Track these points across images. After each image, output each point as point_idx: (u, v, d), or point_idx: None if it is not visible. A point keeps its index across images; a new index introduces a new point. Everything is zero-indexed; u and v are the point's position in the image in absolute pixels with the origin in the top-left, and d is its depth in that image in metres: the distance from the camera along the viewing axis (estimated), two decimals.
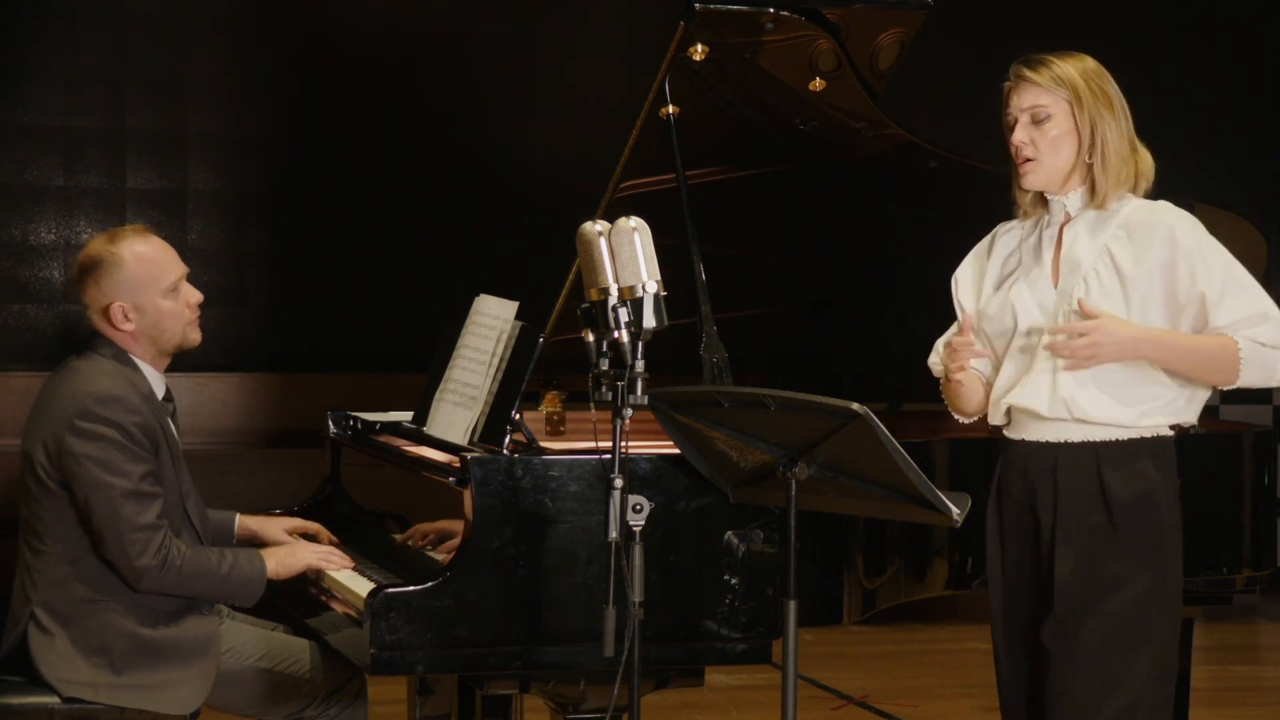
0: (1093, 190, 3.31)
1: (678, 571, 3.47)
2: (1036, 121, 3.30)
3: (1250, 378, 3.28)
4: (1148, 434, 3.28)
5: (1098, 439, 3.28)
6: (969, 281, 3.49)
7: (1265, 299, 3.26)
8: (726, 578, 3.50)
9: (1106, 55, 3.37)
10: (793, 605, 3.18)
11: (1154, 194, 3.37)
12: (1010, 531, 3.39)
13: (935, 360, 3.51)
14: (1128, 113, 3.32)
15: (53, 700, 3.56)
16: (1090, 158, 3.29)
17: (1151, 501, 3.26)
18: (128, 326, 3.65)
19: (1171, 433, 3.31)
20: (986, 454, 3.55)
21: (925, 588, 3.88)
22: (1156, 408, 3.28)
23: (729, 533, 3.50)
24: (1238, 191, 7.92)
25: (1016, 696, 3.39)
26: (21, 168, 7.65)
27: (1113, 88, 3.31)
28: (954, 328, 3.50)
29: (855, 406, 3.03)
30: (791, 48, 4.01)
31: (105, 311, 3.64)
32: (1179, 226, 3.26)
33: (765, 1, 3.87)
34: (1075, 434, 3.29)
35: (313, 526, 4.01)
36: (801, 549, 3.33)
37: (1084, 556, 3.27)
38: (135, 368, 3.66)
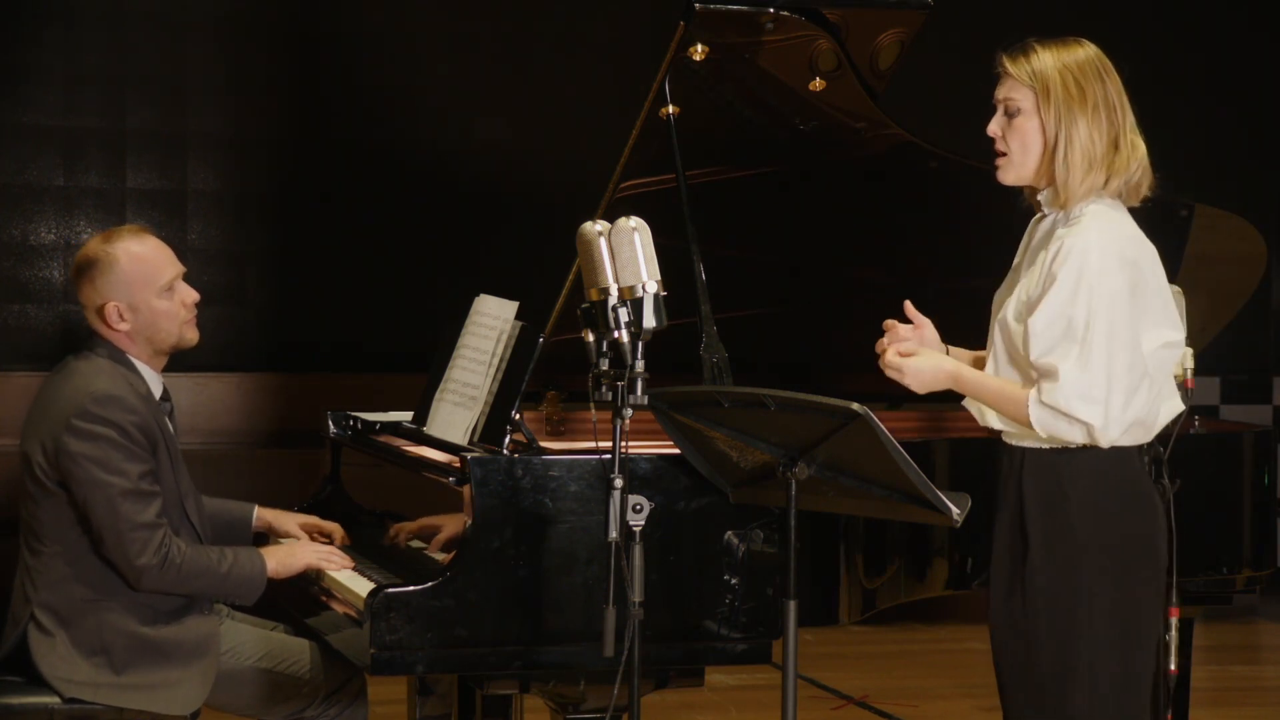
0: (1057, 191, 3.21)
1: (678, 571, 3.47)
2: (1009, 114, 3.22)
3: (1047, 432, 3.12)
4: (1073, 445, 3.16)
5: (1027, 444, 3.23)
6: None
7: (1075, 360, 3.06)
8: (726, 578, 3.50)
9: (1104, 53, 3.32)
10: (793, 605, 3.18)
11: (1155, 193, 3.31)
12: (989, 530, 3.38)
13: None
14: (1116, 109, 3.18)
15: (53, 700, 3.56)
16: (1055, 155, 3.18)
17: (1060, 516, 3.17)
18: (123, 326, 3.65)
19: (1105, 446, 3.14)
20: (986, 454, 3.55)
21: (925, 588, 3.88)
22: None
23: (729, 533, 3.50)
24: (1238, 192, 7.91)
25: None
26: (21, 168, 7.65)
27: (1096, 84, 3.17)
28: None
29: (855, 406, 3.03)
30: (791, 48, 4.01)
31: (100, 311, 3.64)
32: (1068, 251, 3.12)
33: (765, 1, 3.87)
34: (1013, 437, 3.26)
35: (329, 526, 4.01)
36: (801, 549, 3.32)
37: (1007, 566, 3.24)
38: (132, 368, 3.66)
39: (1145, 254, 3.18)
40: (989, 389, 3.21)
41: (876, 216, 4.54)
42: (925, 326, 3.37)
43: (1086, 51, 3.23)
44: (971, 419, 3.38)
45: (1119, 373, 3.08)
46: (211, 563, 3.60)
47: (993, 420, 3.27)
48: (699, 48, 3.90)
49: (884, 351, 3.25)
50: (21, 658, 3.59)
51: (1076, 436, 3.12)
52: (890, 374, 3.25)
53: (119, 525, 3.51)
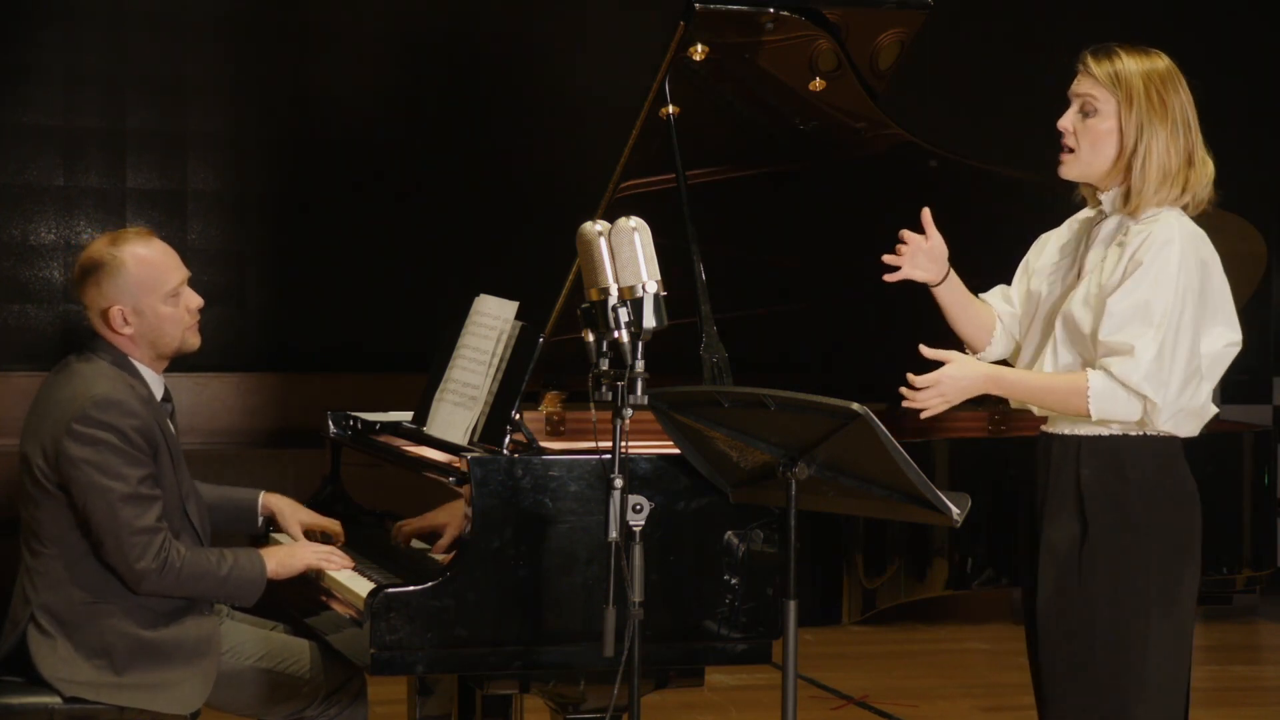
0: (1127, 197, 3.26)
1: (678, 571, 3.47)
2: (1085, 113, 3.26)
3: (1099, 411, 3.18)
4: (1133, 431, 3.24)
5: (1082, 433, 3.27)
6: (1039, 247, 3.49)
7: (1151, 341, 3.13)
8: (726, 578, 3.50)
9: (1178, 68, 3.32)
10: (793, 605, 3.18)
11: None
12: (1038, 524, 3.39)
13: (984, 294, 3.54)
14: (1191, 124, 3.24)
15: (53, 700, 3.56)
16: (1131, 162, 3.23)
17: (1122, 503, 3.23)
18: (126, 330, 3.64)
19: (1163, 433, 3.24)
20: (987, 454, 3.56)
21: (925, 588, 3.89)
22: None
23: (729, 533, 3.50)
24: (1238, 192, 7.91)
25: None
26: (21, 168, 7.65)
27: (1176, 97, 3.23)
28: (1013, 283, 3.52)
29: (855, 406, 3.03)
30: (791, 48, 4.01)
31: (105, 315, 3.64)
32: (1153, 239, 3.19)
33: (765, 1, 3.87)
34: (1065, 426, 3.30)
35: (333, 527, 4.00)
36: (801, 549, 3.32)
37: (1061, 554, 3.27)
38: (133, 370, 3.66)
39: (1215, 258, 3.27)
40: (1034, 383, 3.26)
41: (876, 216, 4.54)
42: (935, 238, 3.44)
43: (1166, 63, 3.27)
44: (971, 419, 3.40)
45: (1182, 362, 3.17)
46: (211, 565, 3.60)
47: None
48: (699, 48, 3.90)
49: (911, 393, 3.28)
50: (22, 658, 3.59)
51: (1131, 414, 3.18)
52: (929, 400, 3.26)
53: (119, 530, 3.51)
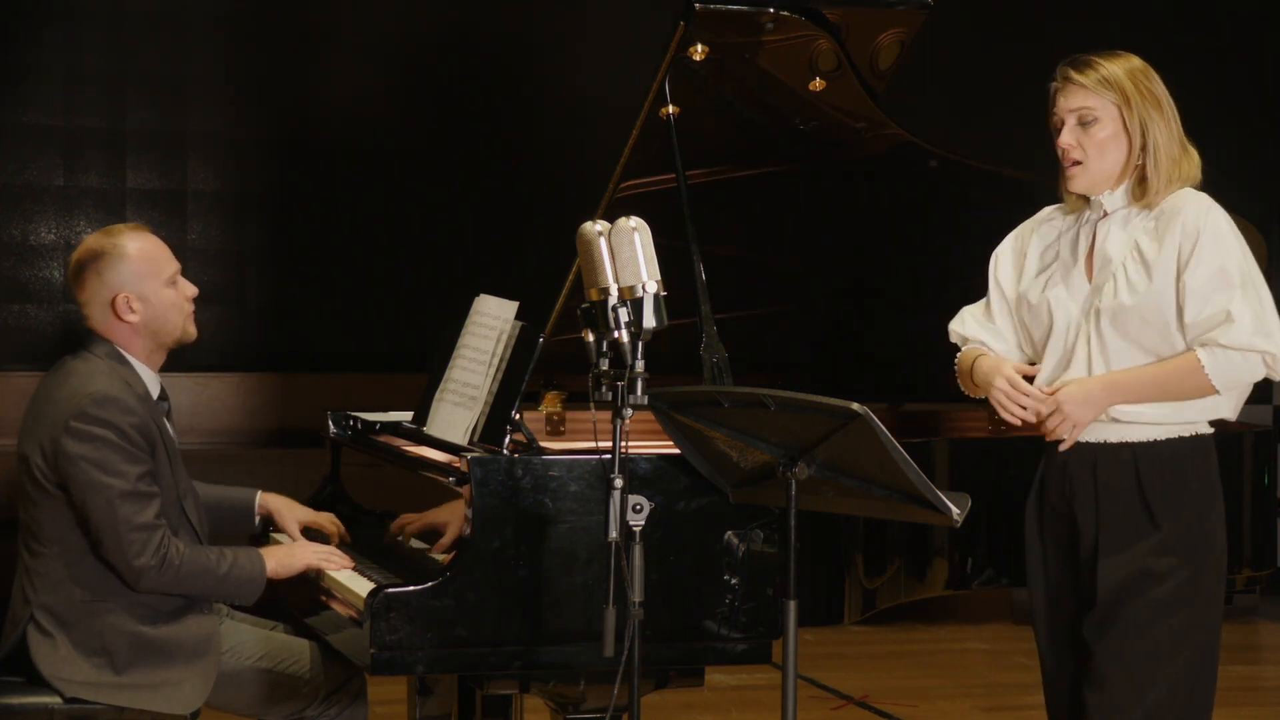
0: (1142, 190, 3.30)
1: (678, 571, 3.47)
2: (1084, 124, 3.29)
3: (1224, 383, 3.23)
4: (1185, 433, 3.30)
5: (1135, 439, 3.30)
6: (1009, 261, 3.49)
7: (1242, 301, 3.20)
8: (726, 578, 3.50)
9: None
10: (793, 605, 3.18)
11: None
12: (1050, 531, 3.41)
13: (957, 328, 3.52)
14: (1175, 112, 3.32)
15: (53, 700, 3.56)
16: (1142, 160, 3.28)
17: (1189, 500, 3.28)
18: (132, 318, 3.65)
19: (1210, 430, 3.32)
20: (987, 454, 3.56)
21: (925, 588, 3.89)
22: (1192, 406, 3.29)
23: (729, 533, 3.50)
24: (1238, 191, 7.91)
25: (1061, 693, 3.41)
26: (21, 168, 7.65)
27: (1160, 87, 3.31)
28: (983, 301, 3.51)
29: (855, 406, 3.03)
30: (791, 48, 4.01)
31: (111, 304, 3.64)
32: (1192, 210, 3.26)
33: (765, 1, 3.87)
34: (1113, 434, 3.31)
35: (328, 524, 4.00)
36: (801, 549, 3.32)
37: (1125, 555, 3.29)
38: (130, 367, 3.66)
39: None
40: (1151, 377, 3.27)
41: (876, 216, 4.54)
42: (1067, 385, 3.36)
43: (1139, 60, 3.34)
44: (971, 419, 3.40)
45: (1270, 308, 3.23)
46: (210, 563, 3.60)
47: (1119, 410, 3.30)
48: (699, 48, 3.90)
49: (1039, 420, 3.30)
50: (22, 658, 3.59)
51: (1255, 372, 3.24)
52: (1061, 429, 3.28)
53: (117, 526, 3.51)
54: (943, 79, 7.36)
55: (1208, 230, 3.23)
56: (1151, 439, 3.29)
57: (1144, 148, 3.28)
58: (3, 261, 7.64)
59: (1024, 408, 3.30)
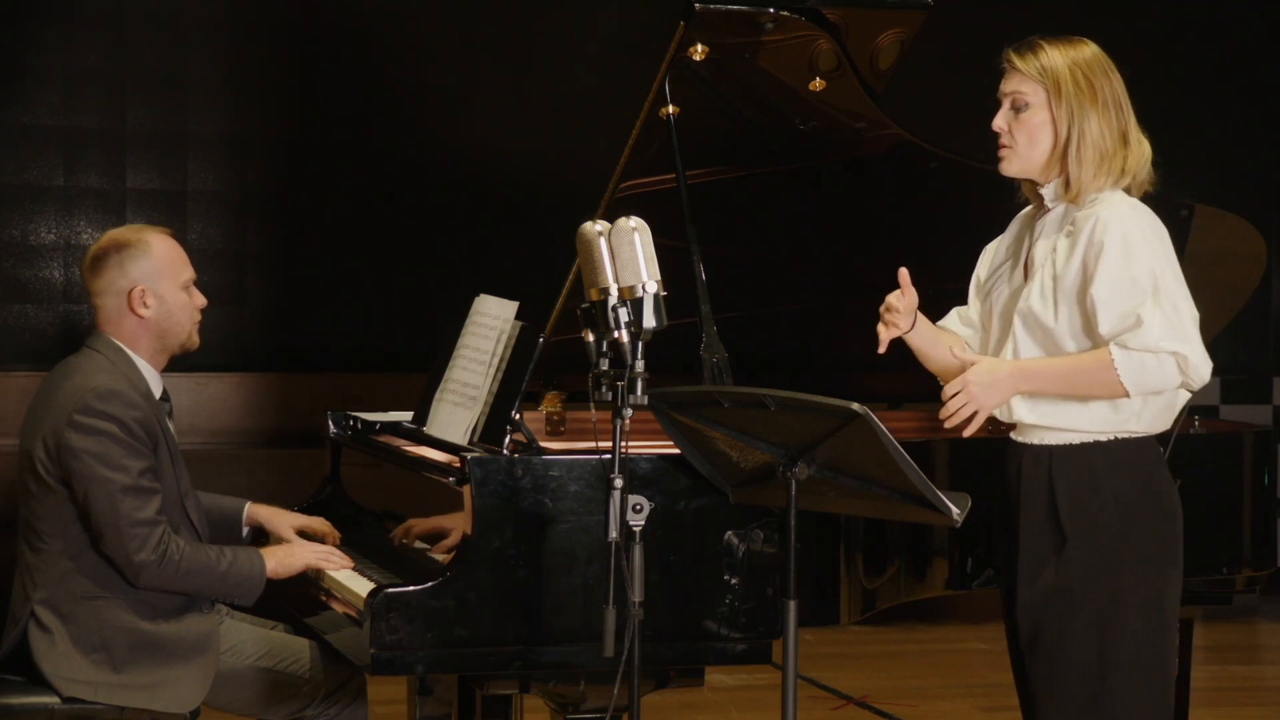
0: (1067, 184, 3.25)
1: (678, 571, 3.47)
2: (1016, 109, 3.27)
3: (1134, 383, 3.13)
4: (1103, 438, 3.21)
5: (1052, 442, 3.25)
6: (986, 260, 3.49)
7: (1153, 307, 3.11)
8: (726, 578, 3.50)
9: (1106, 54, 3.33)
10: (793, 605, 3.18)
11: (1156, 192, 3.33)
12: (1004, 533, 3.39)
13: (942, 322, 3.52)
14: (1123, 105, 3.25)
15: (53, 700, 3.57)
16: (1067, 150, 3.23)
17: (1097, 509, 3.20)
18: (145, 313, 3.66)
19: (1137, 435, 3.22)
20: (986, 454, 3.55)
21: (925, 588, 3.88)
22: (1105, 412, 3.21)
23: (729, 533, 3.50)
24: (1238, 192, 7.91)
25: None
26: (21, 168, 7.65)
27: (1104, 80, 3.24)
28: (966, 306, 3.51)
29: (855, 406, 3.03)
30: (791, 48, 4.01)
31: (127, 295, 3.65)
32: (1103, 219, 3.17)
33: (765, 1, 3.87)
34: (1034, 436, 3.28)
35: (320, 526, 4.00)
36: (801, 549, 3.32)
37: (1039, 567, 3.26)
38: (133, 365, 3.67)
39: (1165, 230, 3.26)
40: (1063, 367, 3.18)
41: (876, 216, 4.54)
42: (910, 294, 3.36)
43: (1091, 49, 3.28)
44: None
45: (1187, 315, 3.14)
46: (210, 561, 3.60)
47: (1023, 414, 3.26)
48: (699, 48, 3.90)
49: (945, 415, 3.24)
50: (21, 657, 3.60)
51: (1170, 377, 3.12)
52: (959, 410, 3.21)
53: (118, 521, 3.51)
54: (942, 79, 7.36)
55: (1115, 241, 3.15)
56: (1066, 443, 3.23)
57: (1069, 138, 3.21)
58: (3, 261, 7.63)
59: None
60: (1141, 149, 3.26)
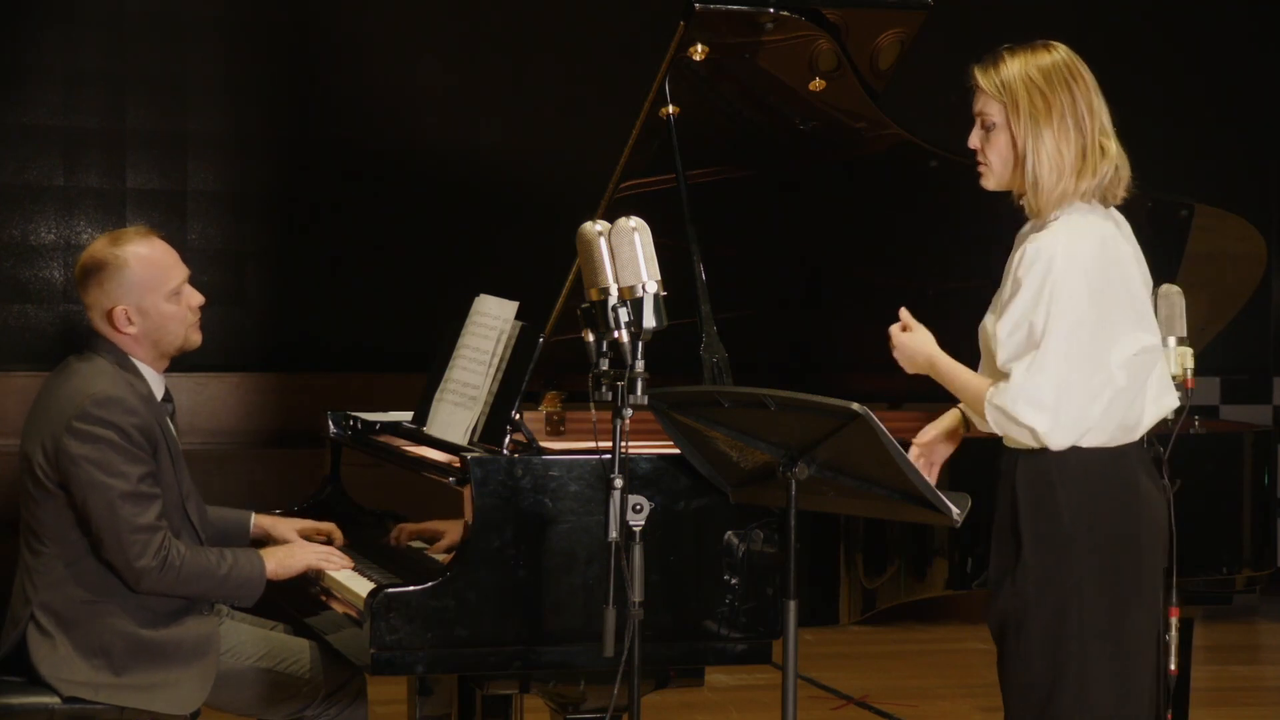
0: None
1: (678, 571, 3.47)
2: (985, 128, 3.25)
3: (997, 428, 3.17)
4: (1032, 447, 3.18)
5: (1018, 447, 3.22)
6: None
7: (1028, 365, 3.09)
8: (726, 578, 3.50)
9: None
10: (793, 605, 3.18)
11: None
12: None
13: None
14: (1085, 115, 3.17)
15: (53, 700, 3.56)
16: (1024, 167, 3.19)
17: (1047, 519, 3.17)
18: (130, 330, 3.64)
19: (1096, 447, 3.15)
20: (986, 454, 3.55)
21: (925, 588, 3.88)
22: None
23: (729, 533, 3.50)
24: (1238, 192, 7.91)
25: None
26: (21, 168, 7.65)
27: (1063, 93, 3.16)
28: None
29: (855, 406, 3.03)
30: (791, 48, 4.00)
31: (108, 315, 3.63)
32: (1034, 256, 3.13)
33: (765, 1, 3.87)
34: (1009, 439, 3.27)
35: (325, 527, 4.01)
36: (801, 549, 3.32)
37: (1002, 574, 3.25)
38: (134, 369, 3.66)
39: (1117, 258, 3.18)
40: (958, 381, 3.27)
41: (876, 216, 4.54)
42: (917, 330, 3.38)
43: (1054, 57, 3.22)
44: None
45: (1075, 380, 3.09)
46: (211, 564, 3.60)
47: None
48: (699, 48, 3.90)
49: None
50: (21, 658, 3.59)
51: (1025, 439, 3.15)
52: (894, 350, 3.35)
53: (118, 527, 3.51)
54: (942, 79, 7.36)
55: (1036, 275, 3.11)
56: (1028, 448, 3.19)
57: (1026, 157, 3.18)
58: (3, 261, 7.63)
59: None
60: (1104, 156, 3.18)
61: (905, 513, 3.22)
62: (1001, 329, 3.15)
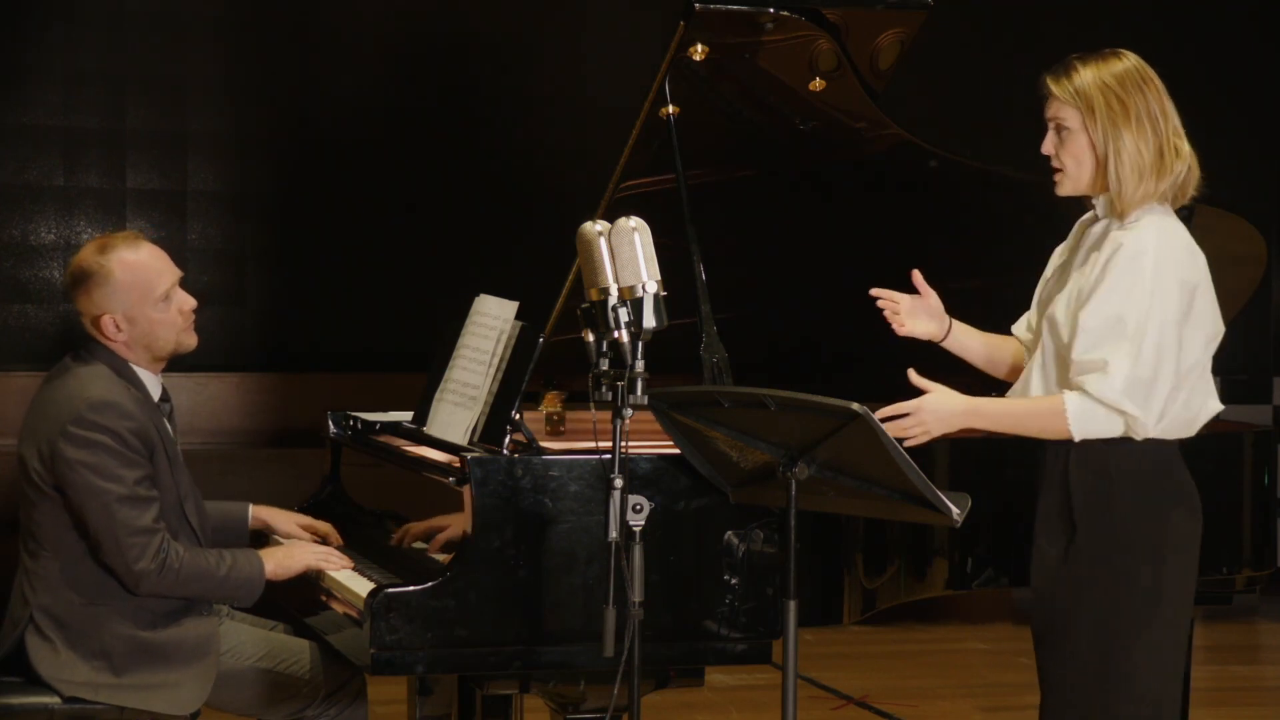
0: (1112, 202, 3.30)
1: (678, 571, 3.47)
2: (1059, 133, 3.32)
3: (1081, 431, 3.21)
4: (1116, 437, 3.23)
5: (1091, 437, 3.25)
6: (1050, 264, 3.52)
7: (1125, 356, 3.15)
8: (726, 578, 3.50)
9: (1145, 64, 3.35)
10: (793, 605, 3.18)
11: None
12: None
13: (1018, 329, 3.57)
14: (1158, 119, 3.28)
15: (53, 700, 3.56)
16: (1107, 170, 3.28)
17: (1108, 509, 3.23)
18: (120, 337, 3.64)
19: (1149, 437, 3.22)
20: (987, 454, 3.55)
21: (925, 588, 3.88)
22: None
23: (729, 533, 3.50)
24: (1238, 192, 7.91)
25: None
26: (21, 168, 7.65)
27: (1138, 97, 3.27)
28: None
29: (855, 406, 3.03)
30: (791, 48, 4.01)
31: (96, 323, 3.64)
32: (1125, 249, 3.21)
33: (765, 1, 3.87)
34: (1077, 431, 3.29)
35: (323, 527, 4.01)
36: (801, 549, 3.32)
37: (1054, 563, 3.28)
38: (130, 373, 3.66)
39: (1197, 259, 3.30)
40: (1016, 411, 3.29)
41: (876, 216, 4.54)
42: (930, 295, 3.50)
43: (1125, 64, 3.31)
44: None
45: (1166, 373, 3.18)
46: (210, 566, 3.60)
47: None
48: (699, 48, 3.90)
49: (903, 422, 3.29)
50: (21, 658, 3.59)
51: (1113, 429, 3.20)
52: (909, 429, 3.28)
53: (116, 531, 3.51)
54: (943, 79, 7.36)
55: (1126, 275, 3.19)
56: (1083, 440, 3.24)
57: (1107, 159, 3.26)
58: (3, 261, 7.64)
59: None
60: (1178, 156, 3.30)
61: (905, 513, 3.22)
62: (1088, 319, 3.19)
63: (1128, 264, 3.20)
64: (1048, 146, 3.33)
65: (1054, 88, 3.31)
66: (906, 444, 3.22)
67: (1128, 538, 3.22)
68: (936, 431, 3.28)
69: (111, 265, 3.63)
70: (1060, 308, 3.29)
